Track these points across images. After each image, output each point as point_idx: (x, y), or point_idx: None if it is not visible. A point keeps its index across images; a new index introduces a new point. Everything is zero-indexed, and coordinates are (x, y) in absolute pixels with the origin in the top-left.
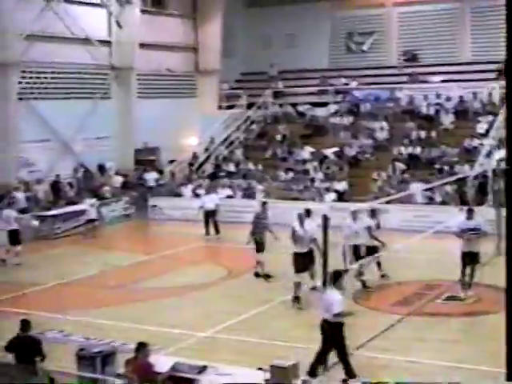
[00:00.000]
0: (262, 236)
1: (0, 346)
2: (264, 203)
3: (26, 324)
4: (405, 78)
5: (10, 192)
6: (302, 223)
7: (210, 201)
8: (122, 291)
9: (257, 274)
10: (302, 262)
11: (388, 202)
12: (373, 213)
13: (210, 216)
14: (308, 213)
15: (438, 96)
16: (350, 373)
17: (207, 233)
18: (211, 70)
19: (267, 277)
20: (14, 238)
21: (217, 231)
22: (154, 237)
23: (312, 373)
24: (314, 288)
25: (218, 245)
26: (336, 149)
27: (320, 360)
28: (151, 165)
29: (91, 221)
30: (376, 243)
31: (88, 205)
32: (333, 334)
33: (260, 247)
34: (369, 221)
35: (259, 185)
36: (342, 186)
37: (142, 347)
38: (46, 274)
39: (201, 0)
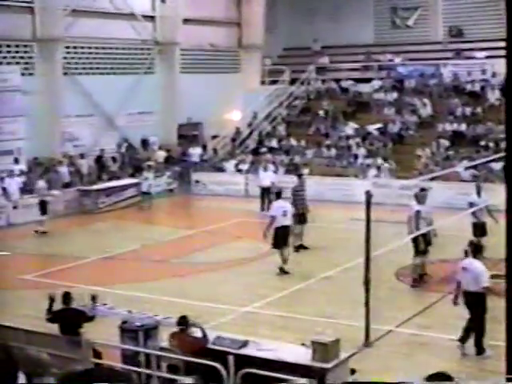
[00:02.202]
0: (302, 208)
1: (45, 318)
2: (300, 176)
3: (68, 297)
4: (450, 54)
5: (54, 166)
6: (479, 193)
7: (266, 177)
8: (165, 266)
9: (299, 247)
10: None
11: (432, 179)
12: (478, 189)
13: (265, 192)
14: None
15: (484, 72)
16: (480, 344)
17: (262, 208)
18: (254, 45)
19: (303, 248)
20: (44, 208)
21: (269, 208)
22: (196, 212)
23: (480, 350)
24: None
25: (260, 220)
26: (379, 125)
27: (482, 332)
28: (195, 140)
29: (146, 193)
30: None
31: (143, 178)
32: (478, 303)
33: (301, 219)
34: (475, 198)
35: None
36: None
37: (185, 321)
38: (89, 248)
39: None
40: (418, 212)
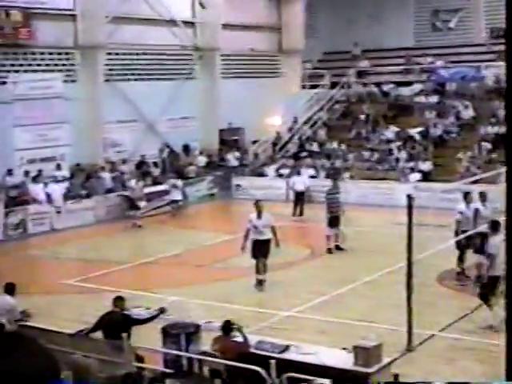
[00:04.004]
0: (336, 211)
1: (89, 323)
2: (335, 179)
3: (118, 301)
4: (492, 56)
5: (96, 172)
6: (484, 202)
7: (300, 182)
8: (207, 270)
9: (329, 250)
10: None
11: (474, 183)
12: (483, 198)
13: (299, 197)
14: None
15: None
16: None
17: (294, 213)
18: (294, 50)
19: (339, 249)
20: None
21: (301, 213)
22: (237, 216)
23: None
24: None
25: (301, 224)
26: (421, 128)
27: None
28: (234, 145)
29: (174, 201)
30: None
31: (170, 185)
32: None
33: (334, 222)
34: (479, 206)
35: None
36: (426, 166)
37: (229, 325)
38: (131, 253)
39: None
40: (476, 210)
